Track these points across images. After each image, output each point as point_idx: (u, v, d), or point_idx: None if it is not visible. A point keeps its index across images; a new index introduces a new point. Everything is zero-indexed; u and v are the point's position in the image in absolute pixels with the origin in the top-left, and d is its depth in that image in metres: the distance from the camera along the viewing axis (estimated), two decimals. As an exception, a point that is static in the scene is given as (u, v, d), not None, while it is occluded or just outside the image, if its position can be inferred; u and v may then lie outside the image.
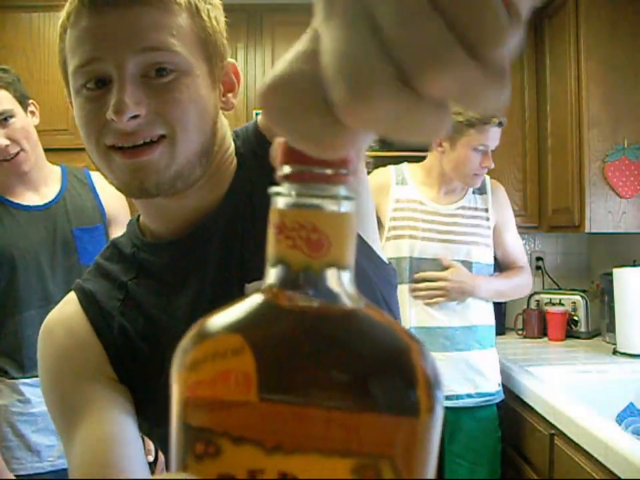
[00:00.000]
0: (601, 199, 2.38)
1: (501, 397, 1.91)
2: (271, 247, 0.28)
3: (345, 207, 0.28)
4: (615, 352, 2.36)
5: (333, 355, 0.26)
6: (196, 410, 0.27)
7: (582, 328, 2.75)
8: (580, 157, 2.40)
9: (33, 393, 1.46)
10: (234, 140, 0.74)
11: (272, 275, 0.28)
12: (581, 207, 2.40)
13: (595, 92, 2.37)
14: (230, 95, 0.72)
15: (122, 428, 0.64)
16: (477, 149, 1.80)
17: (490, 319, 1.92)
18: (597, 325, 2.74)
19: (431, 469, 0.27)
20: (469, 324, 1.83)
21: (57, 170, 1.61)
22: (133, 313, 0.71)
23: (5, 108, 1.47)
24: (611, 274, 2.40)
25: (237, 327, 0.28)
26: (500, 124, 1.80)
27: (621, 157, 2.36)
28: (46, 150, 1.63)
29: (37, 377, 1.45)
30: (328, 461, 0.26)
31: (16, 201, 1.52)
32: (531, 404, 1.84)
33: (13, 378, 1.46)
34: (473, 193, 1.92)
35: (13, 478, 1.42)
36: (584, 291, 2.81)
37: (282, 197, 0.27)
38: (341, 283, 0.28)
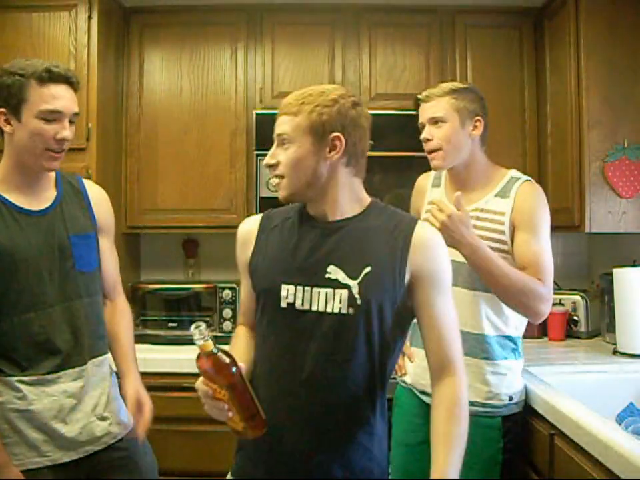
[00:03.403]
0: (601, 199, 2.38)
1: (510, 410, 1.78)
2: None
3: None
4: (614, 352, 2.37)
5: None
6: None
7: (582, 328, 2.75)
8: (580, 157, 2.40)
9: (30, 390, 1.45)
10: None
11: None
12: (581, 206, 2.40)
13: (594, 92, 2.37)
14: (333, 153, 1.23)
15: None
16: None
17: (505, 330, 1.77)
18: (596, 325, 2.74)
19: None
20: (479, 332, 1.74)
21: (52, 175, 1.60)
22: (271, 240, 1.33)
23: (78, 111, 1.56)
24: (611, 274, 2.40)
25: None
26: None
27: (621, 157, 2.36)
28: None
29: (33, 375, 1.46)
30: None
31: (18, 203, 1.51)
32: (531, 404, 1.84)
33: (10, 376, 1.45)
34: (495, 195, 1.79)
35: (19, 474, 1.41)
36: (584, 291, 2.82)
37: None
38: None
